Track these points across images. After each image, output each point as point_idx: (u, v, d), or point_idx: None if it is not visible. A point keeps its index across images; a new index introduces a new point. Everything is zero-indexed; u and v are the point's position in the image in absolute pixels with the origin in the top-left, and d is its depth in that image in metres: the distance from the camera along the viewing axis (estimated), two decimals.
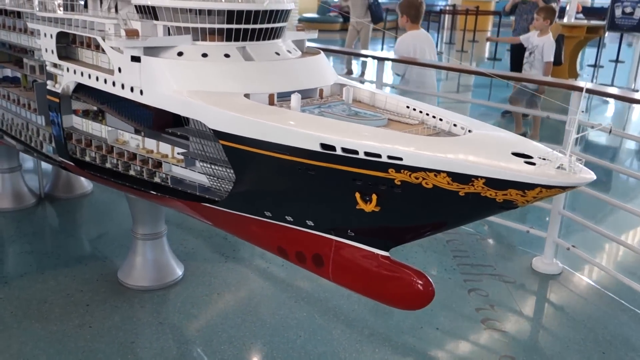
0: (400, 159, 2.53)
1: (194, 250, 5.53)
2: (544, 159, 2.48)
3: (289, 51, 3.66)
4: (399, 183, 2.63)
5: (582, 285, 5.36)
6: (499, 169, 2.40)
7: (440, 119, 3.09)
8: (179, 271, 5.00)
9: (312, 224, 3.23)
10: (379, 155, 2.56)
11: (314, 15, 27.33)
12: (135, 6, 3.48)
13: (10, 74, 5.11)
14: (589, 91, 5.21)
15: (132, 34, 3.27)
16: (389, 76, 8.69)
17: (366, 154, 2.59)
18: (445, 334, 4.51)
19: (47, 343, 4.08)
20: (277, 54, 3.54)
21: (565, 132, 2.48)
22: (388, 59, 6.50)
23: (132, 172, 3.89)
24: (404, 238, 3.18)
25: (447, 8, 27.36)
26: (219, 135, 3.03)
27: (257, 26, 3.41)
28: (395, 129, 2.97)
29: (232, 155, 3.07)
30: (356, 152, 2.61)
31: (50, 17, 3.87)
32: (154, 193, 3.84)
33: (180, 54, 3.33)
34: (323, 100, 3.44)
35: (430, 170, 2.50)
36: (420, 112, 3.20)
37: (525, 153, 2.52)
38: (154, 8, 3.38)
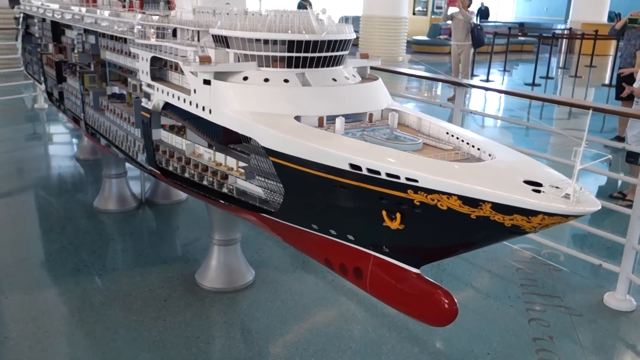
0: (416, 181, 2.72)
1: (267, 258, 5.91)
2: (555, 187, 2.56)
3: (347, 77, 3.94)
4: (418, 203, 2.81)
5: None
6: (503, 194, 2.52)
7: (473, 146, 3.22)
8: (249, 277, 5.40)
9: (353, 239, 3.46)
10: (398, 177, 2.77)
11: (425, 37, 27.39)
12: (212, 35, 3.94)
13: (117, 91, 5.82)
14: None
15: (205, 60, 3.71)
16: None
17: (387, 174, 2.81)
18: (495, 359, 4.51)
19: (125, 330, 4.61)
20: (334, 79, 3.83)
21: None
22: (473, 86, 6.56)
23: (205, 182, 4.34)
24: (431, 256, 3.31)
25: (565, 32, 26.34)
26: (268, 152, 3.37)
27: (316, 55, 3.74)
28: (429, 153, 3.15)
29: (280, 171, 3.39)
30: (379, 173, 2.84)
31: (145, 44, 4.45)
32: (223, 202, 4.25)
33: (245, 78, 3.73)
34: (371, 124, 3.68)
35: (443, 193, 2.66)
36: (457, 138, 3.35)
37: (537, 181, 2.61)
38: (226, 38, 3.81)
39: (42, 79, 8.32)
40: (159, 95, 4.45)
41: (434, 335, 4.72)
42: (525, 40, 26.91)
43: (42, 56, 8.06)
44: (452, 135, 3.39)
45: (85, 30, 6.11)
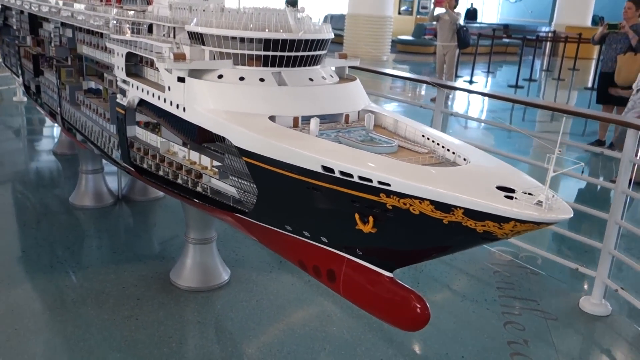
0: (388, 184, 2.69)
1: (244, 257, 5.86)
2: (528, 194, 2.55)
3: (324, 77, 3.90)
4: (390, 207, 2.78)
5: (631, 330, 5.13)
6: (474, 200, 2.50)
7: (448, 150, 3.20)
8: (225, 276, 5.35)
9: (326, 241, 3.43)
10: (370, 180, 2.74)
11: (410, 37, 27.43)
12: (188, 32, 3.88)
13: (94, 86, 5.73)
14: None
15: (179, 57, 3.65)
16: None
17: (360, 177, 2.78)
18: None
19: (97, 329, 4.53)
20: (311, 79, 3.79)
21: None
22: (454, 88, 6.56)
23: (179, 181, 4.28)
24: (404, 260, 3.29)
25: (549, 34, 26.53)
26: (241, 152, 3.32)
27: (292, 54, 3.69)
28: (403, 156, 3.12)
29: (253, 171, 3.35)
30: (351, 176, 2.80)
31: (121, 39, 4.37)
32: (197, 201, 4.19)
33: (220, 76, 3.67)
34: (347, 125, 3.64)
35: (415, 198, 2.64)
36: (433, 141, 3.33)
37: (510, 187, 2.59)
38: (202, 35, 3.75)
39: (20, 72, 8.17)
40: (134, 91, 4.38)
41: (409, 337, 4.70)
42: (510, 42, 27.05)
43: (19, 49, 7.91)
44: (428, 138, 3.37)
45: (62, 24, 6.00)
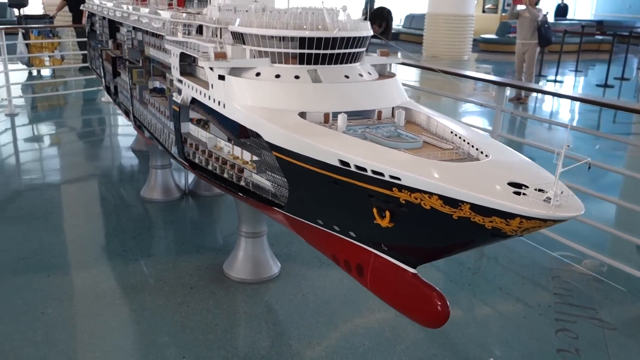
0: (399, 179, 2.70)
1: (295, 253, 5.99)
2: (539, 190, 2.48)
3: (361, 75, 3.95)
4: (403, 202, 2.79)
5: None
6: (479, 196, 2.47)
7: (473, 146, 3.16)
8: (275, 269, 5.50)
9: (354, 235, 3.48)
10: (382, 174, 2.76)
11: (492, 36, 26.65)
12: (231, 32, 4.06)
13: (159, 85, 6.07)
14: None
15: (220, 56, 3.83)
16: None
17: (373, 172, 2.81)
18: None
19: (150, 313, 4.82)
20: (347, 76, 3.85)
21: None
22: (508, 84, 6.37)
23: (225, 175, 4.47)
24: (424, 256, 3.27)
25: None
26: (271, 146, 3.44)
27: (328, 51, 3.77)
28: (427, 151, 3.12)
29: (282, 165, 3.46)
30: (365, 170, 2.84)
31: (175, 40, 4.63)
32: (241, 195, 4.36)
33: (258, 74, 3.82)
34: (378, 121, 3.67)
35: (425, 192, 2.64)
36: (460, 137, 3.29)
37: (522, 183, 2.53)
38: (242, 34, 3.91)
39: (102, 73, 8.78)
40: (187, 90, 4.62)
41: (451, 338, 4.65)
42: (603, 40, 25.61)
43: (102, 52, 8.50)
44: (456, 135, 3.34)
45: (134, 28, 6.41)
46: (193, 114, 4.88)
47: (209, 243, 6.30)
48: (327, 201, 3.39)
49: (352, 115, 3.64)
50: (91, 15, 9.44)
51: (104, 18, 8.25)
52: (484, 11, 30.02)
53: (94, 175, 8.54)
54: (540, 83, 18.61)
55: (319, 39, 3.70)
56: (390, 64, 4.29)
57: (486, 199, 2.45)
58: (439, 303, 3.10)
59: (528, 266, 5.99)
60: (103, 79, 8.84)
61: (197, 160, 4.81)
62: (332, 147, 2.99)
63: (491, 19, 29.63)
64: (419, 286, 3.20)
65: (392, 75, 4.15)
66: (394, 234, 3.03)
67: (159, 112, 5.67)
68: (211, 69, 3.95)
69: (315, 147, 3.07)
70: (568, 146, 2.46)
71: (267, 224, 5.45)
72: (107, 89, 8.72)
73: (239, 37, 3.98)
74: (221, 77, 3.86)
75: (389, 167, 2.73)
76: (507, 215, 2.45)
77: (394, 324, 4.81)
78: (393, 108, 3.82)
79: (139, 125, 6.74)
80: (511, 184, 2.56)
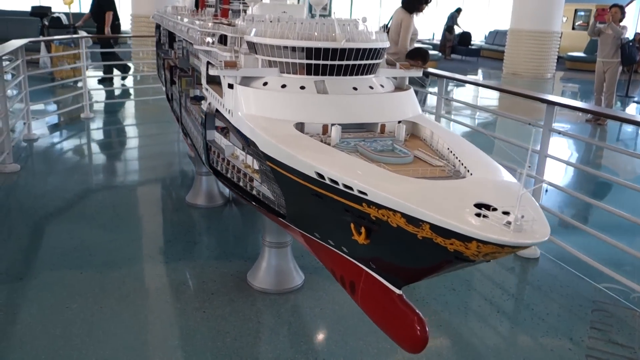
0: (365, 194, 2.59)
1: (322, 266, 5.91)
2: (505, 213, 2.29)
3: (371, 87, 3.85)
4: (374, 218, 2.67)
5: None
6: (435, 216, 2.31)
7: (462, 163, 2.98)
8: (298, 281, 5.46)
9: (347, 251, 3.38)
10: (351, 188, 2.66)
11: (580, 54, 25.42)
12: (246, 42, 4.09)
13: (199, 93, 6.22)
14: None
15: (229, 65, 3.87)
16: None
17: (344, 185, 2.71)
18: None
19: (166, 316, 4.91)
20: (355, 88, 3.77)
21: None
22: (557, 104, 5.99)
23: (241, 184, 4.49)
24: (405, 276, 3.11)
25: None
26: (265, 156, 3.41)
27: (336, 62, 3.71)
28: (415, 167, 2.98)
29: (275, 175, 3.42)
30: (337, 183, 2.75)
31: (201, 49, 4.73)
32: (254, 204, 4.37)
33: (265, 84, 3.82)
34: (379, 134, 3.56)
35: (389, 209, 2.51)
36: (455, 156, 3.12)
37: (492, 204, 2.35)
38: (254, 44, 3.93)
39: (164, 82, 9.14)
40: (210, 98, 4.70)
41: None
42: None
43: (163, 61, 8.86)
44: (452, 152, 3.17)
45: (184, 38, 6.63)
46: (218, 122, 4.95)
47: (240, 251, 6.36)
48: (314, 214, 3.33)
49: (354, 127, 3.56)
50: (158, 26, 9.88)
51: (165, 29, 8.61)
52: (573, 28, 28.70)
53: (149, 179, 8.88)
54: (632, 105, 17.56)
55: (326, 50, 3.65)
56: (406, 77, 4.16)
57: (442, 220, 2.30)
58: (419, 327, 2.95)
59: (568, 296, 5.60)
60: (164, 88, 9.21)
61: (219, 168, 4.87)
62: (311, 159, 2.92)
63: (581, 36, 28.23)
64: (402, 308, 3.06)
65: (408, 88, 4.02)
66: (371, 251, 2.92)
67: (195, 119, 5.81)
68: (224, 77, 4.00)
69: (296, 159, 3.02)
70: (529, 166, 2.26)
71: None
72: (167, 97, 9.07)
73: (252, 47, 4.00)
74: (230, 86, 3.90)
75: (358, 181, 2.63)
76: (464, 238, 2.28)
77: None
78: (400, 122, 3.69)
79: (185, 133, 6.94)
80: (478, 205, 2.38)
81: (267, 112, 3.61)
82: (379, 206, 2.56)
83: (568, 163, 6.53)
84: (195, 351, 4.47)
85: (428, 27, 33.81)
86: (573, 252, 6.07)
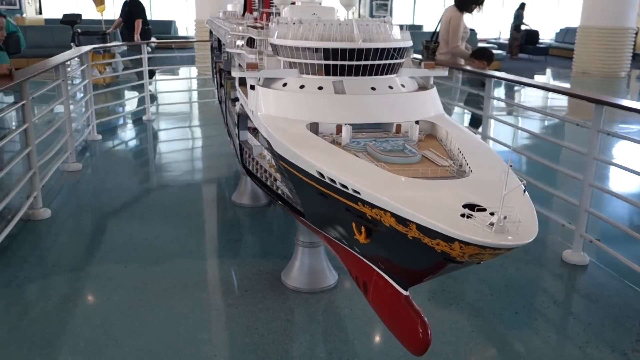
0: (359, 192, 2.59)
1: None
2: (491, 214, 2.23)
3: (391, 87, 3.83)
4: (370, 217, 2.67)
5: None
6: (419, 215, 2.28)
7: (467, 163, 2.93)
8: (331, 281, 5.49)
9: (359, 251, 3.39)
10: (347, 187, 2.67)
11: None
12: (270, 44, 4.17)
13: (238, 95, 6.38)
14: None
15: (251, 66, 3.96)
16: None
17: (340, 184, 2.72)
18: None
19: (200, 311, 5.07)
20: (373, 88, 3.77)
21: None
22: (606, 103, 5.72)
23: (268, 183, 4.58)
24: (408, 277, 3.08)
25: None
26: (278, 155, 3.48)
27: (354, 63, 3.72)
28: (419, 167, 2.96)
29: (287, 174, 3.48)
30: (334, 182, 2.76)
31: (231, 52, 4.86)
32: (280, 203, 4.45)
33: (285, 84, 3.88)
34: (394, 134, 3.54)
35: (380, 208, 2.50)
36: (463, 156, 3.06)
37: (480, 205, 2.30)
38: (276, 46, 4.01)
39: (216, 85, 9.43)
40: (242, 99, 4.83)
41: None
42: None
43: (215, 65, 9.13)
44: (461, 152, 3.11)
45: None
46: (250, 123, 5.07)
47: (278, 250, 6.45)
48: (324, 213, 3.36)
49: (371, 127, 3.57)
50: (211, 31, 10.19)
51: (215, 33, 8.89)
52: None
53: (201, 179, 9.18)
54: None
55: (343, 50, 3.67)
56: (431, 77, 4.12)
57: (425, 220, 2.27)
58: (421, 330, 2.92)
59: (616, 306, 5.33)
60: (217, 91, 9.49)
61: (250, 168, 4.99)
62: (313, 159, 2.96)
63: None
64: (408, 310, 3.04)
65: (430, 87, 3.98)
66: (372, 251, 2.92)
67: (232, 120, 5.97)
68: (247, 79, 4.10)
69: (301, 158, 3.06)
70: (511, 166, 2.19)
71: None
72: (219, 100, 9.34)
73: (275, 49, 4.08)
74: (252, 87, 3.99)
75: (352, 180, 2.64)
76: (447, 239, 2.25)
77: (436, 352, 4.56)
78: (417, 122, 3.66)
79: (229, 134, 7.14)
80: (468, 205, 2.34)
81: (284, 113, 3.68)
82: (372, 205, 2.57)
83: (618, 166, 6.20)
84: (223, 345, 4.59)
85: (494, 25, 32.98)
86: (624, 260, 5.77)
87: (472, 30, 25.93)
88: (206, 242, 6.49)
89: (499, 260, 6.16)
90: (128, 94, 15.00)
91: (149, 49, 20.48)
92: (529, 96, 17.81)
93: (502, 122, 8.70)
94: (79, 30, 16.48)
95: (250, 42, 4.64)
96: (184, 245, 6.41)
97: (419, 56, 10.04)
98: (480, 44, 25.20)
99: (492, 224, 2.19)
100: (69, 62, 9.78)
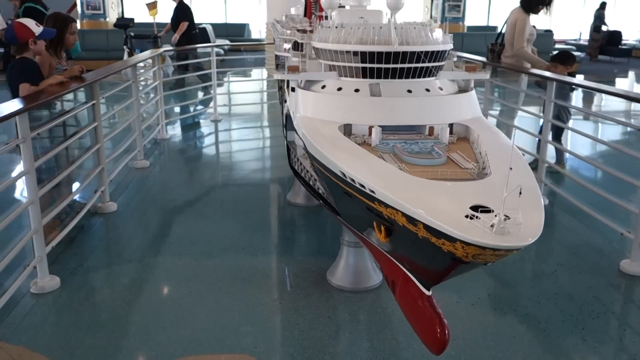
0: (374, 192, 2.65)
1: None
2: (495, 215, 2.24)
3: (427, 90, 3.86)
4: (386, 217, 2.73)
5: None
6: (423, 214, 2.32)
7: (489, 166, 2.92)
8: (375, 281, 5.54)
9: (386, 250, 3.45)
10: (364, 187, 2.74)
11: None
12: (313, 47, 4.30)
13: None
14: None
15: (292, 69, 4.10)
16: None
17: (359, 184, 2.79)
18: None
19: (245, 304, 5.26)
20: (409, 91, 3.81)
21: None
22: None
23: (311, 183, 4.71)
24: (428, 277, 3.10)
25: None
26: (310, 155, 3.59)
27: (390, 65, 3.78)
28: (443, 169, 2.99)
29: (319, 174, 3.58)
30: (354, 181, 2.84)
31: (278, 54, 5.03)
32: (321, 202, 4.56)
33: (323, 87, 3.99)
34: (426, 137, 3.57)
35: (392, 208, 2.55)
36: (488, 159, 3.06)
37: (488, 206, 2.31)
38: (318, 49, 4.13)
39: (278, 88, 9.67)
40: (288, 100, 4.98)
41: None
42: None
43: (277, 67, 9.37)
44: (486, 154, 3.11)
45: None
46: None
47: (327, 249, 6.56)
48: (351, 213, 3.44)
49: (405, 129, 3.62)
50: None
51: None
52: None
53: (262, 178, 9.46)
54: None
55: (380, 53, 3.74)
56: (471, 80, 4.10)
57: (430, 219, 2.31)
58: (439, 330, 2.95)
59: None
60: (279, 93, 9.73)
61: (296, 167, 5.14)
62: (337, 159, 3.05)
63: None
64: (429, 309, 3.07)
65: (468, 90, 3.97)
66: (394, 250, 2.97)
67: (282, 121, 6.15)
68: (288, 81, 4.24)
69: (327, 158, 3.16)
70: (511, 169, 2.18)
71: None
72: (280, 102, 9.57)
73: (317, 52, 4.20)
74: (292, 89, 4.13)
75: (368, 180, 2.71)
76: (450, 239, 2.28)
77: (474, 353, 4.53)
78: (450, 124, 3.67)
79: (284, 135, 7.33)
80: (476, 207, 2.36)
81: (320, 114, 3.79)
82: (386, 205, 2.63)
83: None
84: (264, 338, 4.75)
85: (574, 26, 31.75)
86: None
87: (548, 31, 25.10)
88: (258, 239, 6.70)
89: (551, 268, 6.01)
90: (197, 94, 15.56)
91: (221, 51, 21.14)
92: (610, 100, 17.03)
93: (564, 126, 8.41)
94: (132, 34, 17.02)
95: (297, 46, 4.79)
96: (237, 241, 6.65)
97: (481, 59, 9.89)
98: (558, 46, 24.33)
99: (493, 225, 2.21)
100: (142, 64, 10.32)
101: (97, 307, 5.21)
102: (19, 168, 6.47)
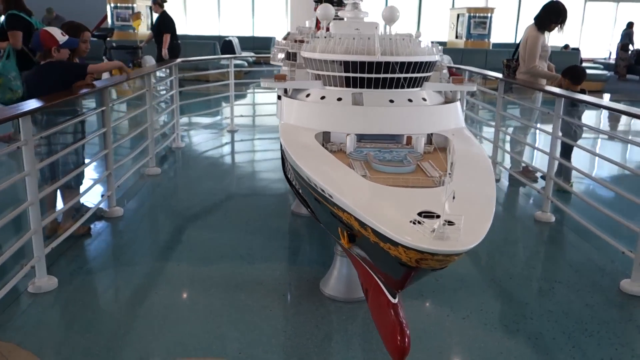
0: (331, 196, 2.67)
1: None
2: (447, 222, 2.24)
3: (410, 100, 3.88)
4: (346, 221, 2.74)
5: None
6: (368, 218, 2.32)
7: (450, 174, 2.93)
8: None
9: (358, 257, 3.45)
10: (324, 191, 2.76)
11: None
12: (302, 57, 4.36)
13: None
14: None
15: (279, 78, 4.16)
16: None
17: (320, 189, 2.82)
18: None
19: (235, 310, 5.29)
20: (391, 101, 3.83)
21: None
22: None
23: (301, 191, 4.74)
24: (390, 283, 3.08)
25: None
26: (290, 161, 3.63)
27: (373, 75, 3.81)
28: (410, 176, 3.00)
29: (297, 180, 3.62)
30: (316, 186, 2.87)
31: (273, 64, 5.10)
32: (308, 210, 4.59)
33: (307, 95, 4.04)
34: (402, 146, 3.58)
35: (345, 211, 2.57)
36: (454, 168, 3.06)
37: (435, 212, 2.31)
38: (305, 58, 4.19)
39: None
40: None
41: None
42: None
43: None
44: (452, 164, 3.12)
45: None
46: None
47: (324, 259, 6.56)
48: (322, 218, 3.46)
49: (386, 138, 3.63)
50: None
51: None
52: None
53: (269, 189, 9.52)
54: None
55: (362, 63, 3.78)
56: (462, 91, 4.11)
57: (375, 223, 2.32)
58: (399, 338, 2.93)
59: None
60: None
61: (288, 175, 5.18)
62: (303, 164, 3.08)
63: None
64: (392, 317, 3.06)
65: (453, 101, 3.98)
66: (358, 255, 2.98)
67: None
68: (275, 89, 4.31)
69: (296, 163, 3.19)
70: (449, 174, 2.18)
71: None
72: None
73: (304, 61, 4.26)
74: (278, 97, 4.19)
75: (327, 185, 2.73)
76: (394, 243, 2.28)
77: None
78: (429, 134, 3.68)
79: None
80: (423, 212, 2.36)
81: (301, 122, 3.84)
82: (342, 209, 2.65)
83: None
84: (250, 344, 4.77)
85: (604, 45, 31.39)
86: None
87: (575, 49, 24.82)
88: (257, 248, 6.74)
89: (548, 285, 5.93)
90: (214, 104, 15.77)
91: (245, 63, 21.37)
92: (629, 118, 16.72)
93: (572, 143, 8.29)
94: (114, 45, 16.92)
95: (289, 56, 4.86)
96: (235, 248, 6.70)
97: (496, 74, 9.84)
98: (585, 64, 24.04)
99: (434, 230, 2.21)
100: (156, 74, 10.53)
101: (91, 309, 5.30)
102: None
